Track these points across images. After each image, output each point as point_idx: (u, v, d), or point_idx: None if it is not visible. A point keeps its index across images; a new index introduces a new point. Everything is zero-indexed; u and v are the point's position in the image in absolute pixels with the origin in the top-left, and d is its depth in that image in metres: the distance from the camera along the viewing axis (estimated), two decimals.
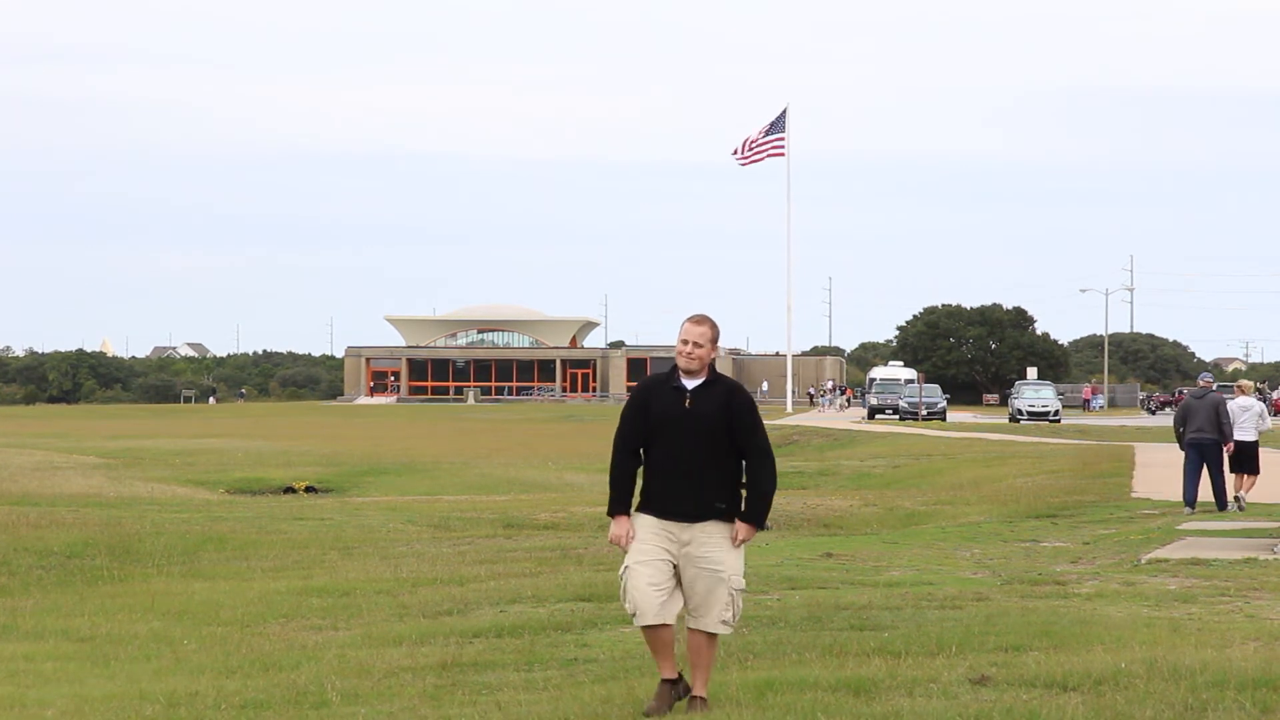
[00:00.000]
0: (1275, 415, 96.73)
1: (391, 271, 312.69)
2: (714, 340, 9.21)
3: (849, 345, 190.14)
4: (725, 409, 9.09)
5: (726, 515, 9.15)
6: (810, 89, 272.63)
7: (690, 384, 9.17)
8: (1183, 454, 24.90)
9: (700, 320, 9.21)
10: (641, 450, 9.25)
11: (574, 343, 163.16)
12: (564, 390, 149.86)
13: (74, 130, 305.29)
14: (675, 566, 9.14)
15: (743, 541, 9.19)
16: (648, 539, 9.09)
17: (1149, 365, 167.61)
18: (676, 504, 9.08)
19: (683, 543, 9.09)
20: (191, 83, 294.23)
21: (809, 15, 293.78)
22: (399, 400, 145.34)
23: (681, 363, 9.20)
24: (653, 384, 9.26)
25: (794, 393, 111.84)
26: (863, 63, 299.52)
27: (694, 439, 9.05)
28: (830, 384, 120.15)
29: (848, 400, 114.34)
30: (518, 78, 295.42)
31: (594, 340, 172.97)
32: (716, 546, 9.11)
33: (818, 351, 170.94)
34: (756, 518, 9.18)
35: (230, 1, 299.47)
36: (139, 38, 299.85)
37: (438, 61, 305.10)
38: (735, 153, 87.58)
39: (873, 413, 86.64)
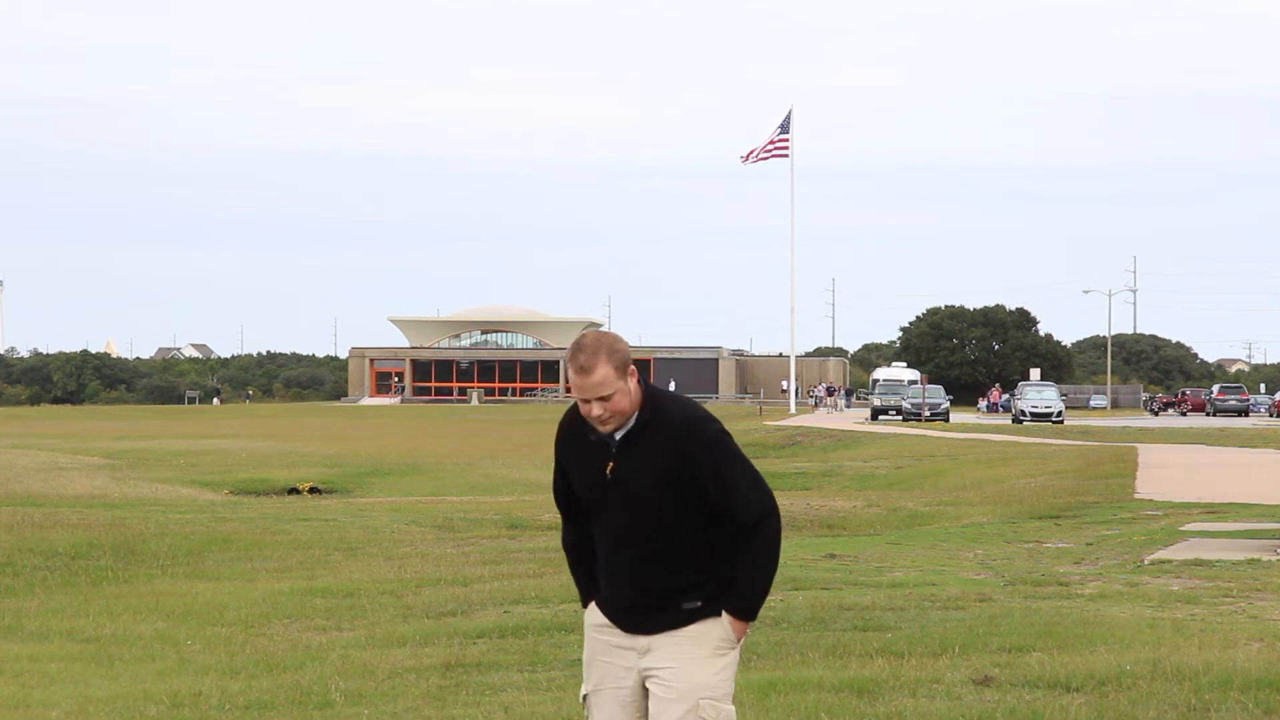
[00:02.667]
0: (1275, 417, 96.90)
1: (395, 272, 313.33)
2: (623, 369, 5.77)
3: (852, 346, 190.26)
4: (674, 464, 5.74)
5: (705, 614, 5.87)
6: (814, 90, 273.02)
7: (617, 433, 5.84)
8: None
9: (589, 365, 5.75)
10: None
11: None
12: (567, 391, 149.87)
13: (77, 132, 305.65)
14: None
15: (725, 644, 5.89)
16: (604, 650, 5.98)
17: (1152, 366, 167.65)
18: (626, 609, 5.90)
19: (641, 651, 5.91)
20: (195, 85, 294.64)
21: (814, 16, 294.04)
22: (403, 401, 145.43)
23: (597, 425, 5.85)
24: (568, 431, 5.99)
25: (797, 393, 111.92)
26: (867, 64, 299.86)
27: (634, 518, 5.79)
28: (824, 387, 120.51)
29: (835, 398, 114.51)
30: (522, 79, 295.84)
31: None
32: (683, 656, 5.85)
33: (821, 352, 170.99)
34: (743, 607, 5.86)
35: (233, 3, 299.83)
36: (141, 38, 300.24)
37: (441, 64, 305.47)
38: (743, 158, 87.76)
39: (876, 413, 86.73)
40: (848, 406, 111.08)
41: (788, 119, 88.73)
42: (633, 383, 5.75)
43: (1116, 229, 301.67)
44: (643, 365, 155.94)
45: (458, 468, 49.08)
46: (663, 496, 5.76)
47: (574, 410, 5.93)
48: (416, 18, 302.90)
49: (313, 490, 42.59)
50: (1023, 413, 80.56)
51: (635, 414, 5.79)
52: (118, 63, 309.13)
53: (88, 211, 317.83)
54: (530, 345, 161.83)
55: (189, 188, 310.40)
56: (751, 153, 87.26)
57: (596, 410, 5.70)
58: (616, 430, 5.79)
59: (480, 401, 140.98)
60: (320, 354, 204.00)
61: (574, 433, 5.92)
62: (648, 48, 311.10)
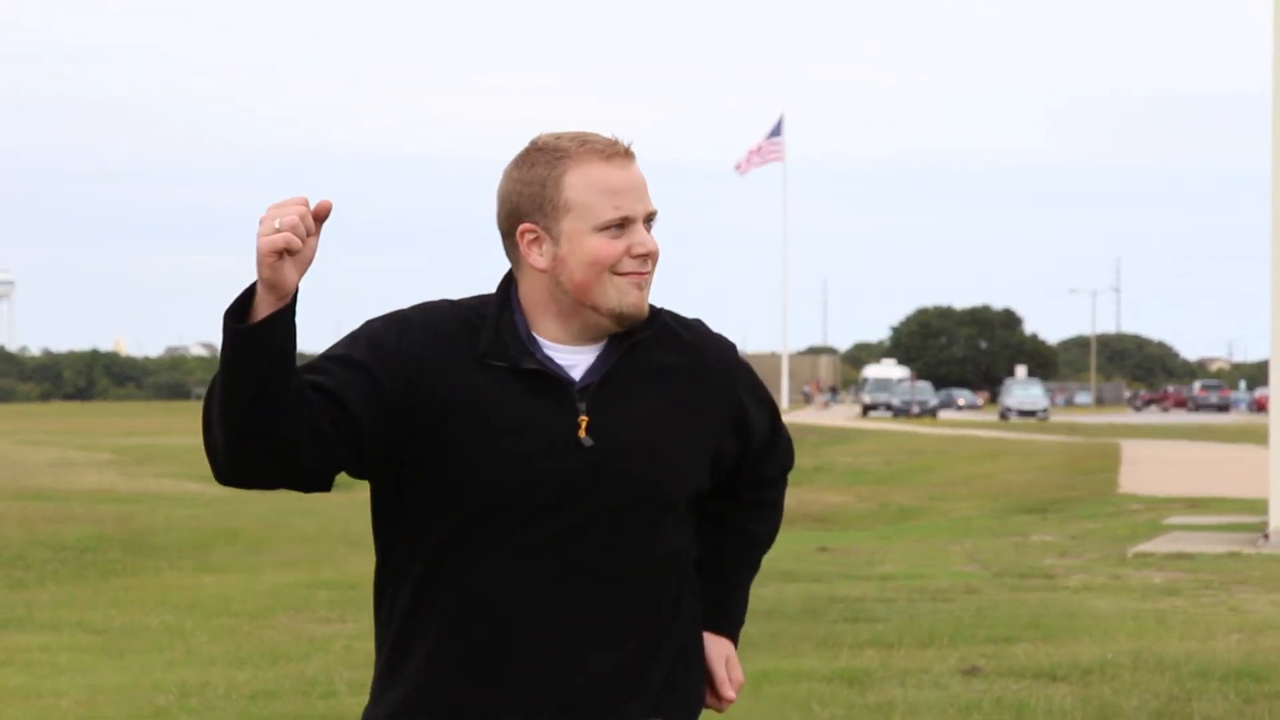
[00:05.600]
0: (1259, 412, 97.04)
1: (396, 272, 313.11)
2: None
3: (844, 345, 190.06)
4: (709, 408, 3.14)
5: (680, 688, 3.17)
6: (806, 92, 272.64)
7: (582, 354, 3.08)
8: None
9: (628, 150, 3.04)
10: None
11: None
12: None
13: (87, 133, 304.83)
14: None
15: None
16: None
17: (1135, 364, 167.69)
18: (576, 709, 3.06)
19: None
20: (199, 85, 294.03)
21: (805, 18, 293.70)
22: None
23: (617, 295, 3.05)
24: (433, 339, 3.05)
25: (789, 391, 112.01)
26: (858, 66, 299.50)
27: (627, 528, 3.05)
28: (804, 390, 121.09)
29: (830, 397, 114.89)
30: (520, 81, 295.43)
31: None
32: None
33: (813, 351, 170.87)
34: (738, 617, 3.33)
35: (235, 4, 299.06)
36: (142, 38, 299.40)
37: (442, 65, 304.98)
38: (737, 167, 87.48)
39: (866, 410, 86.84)
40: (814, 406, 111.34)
41: (780, 124, 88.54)
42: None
43: (1101, 230, 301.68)
44: None
45: None
46: (687, 473, 3.12)
47: (443, 310, 3.09)
48: (418, 20, 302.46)
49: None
50: (1009, 409, 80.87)
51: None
52: (120, 63, 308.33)
53: (97, 212, 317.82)
54: None
55: (194, 187, 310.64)
56: (746, 161, 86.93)
57: (653, 243, 3.05)
58: (583, 347, 3.08)
59: None
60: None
61: (456, 349, 3.05)
62: (645, 51, 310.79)
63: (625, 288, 3.04)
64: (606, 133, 3.07)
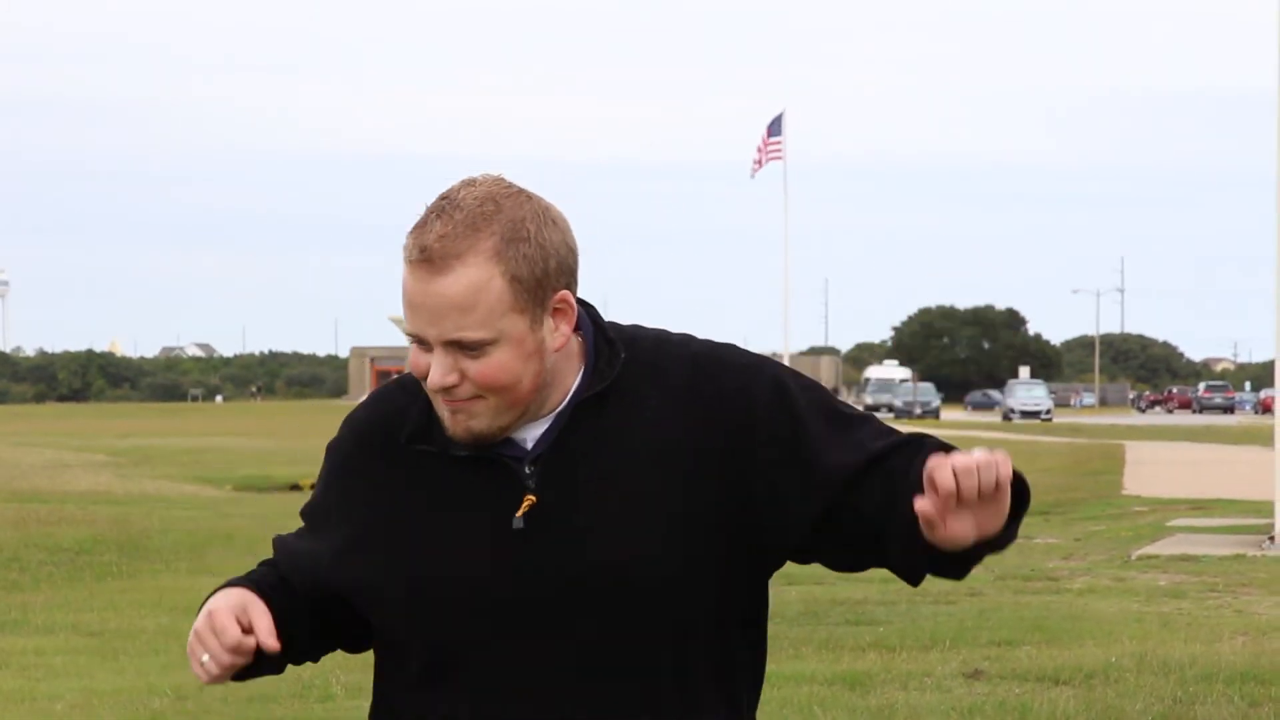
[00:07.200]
0: (1264, 413, 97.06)
1: (396, 272, 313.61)
2: (533, 290, 2.41)
3: (845, 345, 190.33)
4: (709, 469, 2.47)
5: None
6: (807, 91, 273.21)
7: (524, 432, 2.48)
8: None
9: (445, 248, 2.42)
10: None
11: None
12: None
13: (82, 132, 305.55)
14: None
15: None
16: None
17: (1139, 365, 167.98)
18: None
19: None
20: (197, 84, 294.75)
21: (806, 18, 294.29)
22: None
23: (443, 412, 2.46)
24: (367, 442, 2.60)
25: None
26: (859, 66, 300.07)
27: (604, 634, 2.46)
28: None
29: None
30: (520, 81, 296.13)
31: None
32: None
33: (814, 351, 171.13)
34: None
35: (236, 5, 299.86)
36: (143, 39, 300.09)
37: (443, 65, 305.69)
38: (752, 173, 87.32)
39: (868, 411, 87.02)
40: None
41: (779, 121, 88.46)
42: (560, 330, 2.47)
43: (1105, 230, 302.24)
44: None
45: None
46: (684, 562, 2.48)
47: (388, 394, 2.64)
48: (418, 20, 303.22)
49: (314, 486, 42.48)
50: (1012, 410, 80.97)
51: (570, 389, 2.50)
52: (120, 63, 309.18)
53: (93, 212, 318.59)
54: None
55: (192, 188, 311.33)
56: (756, 163, 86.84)
57: (439, 376, 2.44)
58: (515, 427, 2.49)
59: None
60: (321, 353, 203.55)
61: (382, 444, 2.58)
62: (645, 51, 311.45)
63: (442, 406, 2.48)
64: (439, 223, 2.44)
